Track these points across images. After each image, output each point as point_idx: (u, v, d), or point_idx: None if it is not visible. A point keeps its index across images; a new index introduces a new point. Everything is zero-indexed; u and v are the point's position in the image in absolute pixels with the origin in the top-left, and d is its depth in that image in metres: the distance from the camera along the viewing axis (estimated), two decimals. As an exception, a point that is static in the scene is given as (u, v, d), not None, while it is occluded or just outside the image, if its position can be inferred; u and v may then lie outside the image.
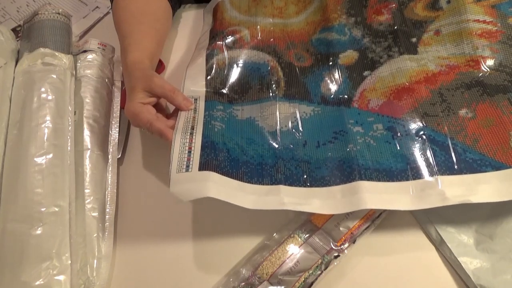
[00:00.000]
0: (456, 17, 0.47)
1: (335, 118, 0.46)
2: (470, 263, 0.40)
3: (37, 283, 0.38)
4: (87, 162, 0.47)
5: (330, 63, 0.50)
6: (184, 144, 0.42)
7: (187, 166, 0.40)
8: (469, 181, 0.39)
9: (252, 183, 0.41)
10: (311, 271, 0.40)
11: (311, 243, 0.42)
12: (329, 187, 0.41)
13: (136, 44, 0.52)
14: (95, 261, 0.43)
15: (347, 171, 0.41)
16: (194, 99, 0.47)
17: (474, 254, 0.40)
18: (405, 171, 0.40)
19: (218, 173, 0.40)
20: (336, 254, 0.41)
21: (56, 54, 0.51)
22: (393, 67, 0.47)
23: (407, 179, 0.40)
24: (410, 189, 0.39)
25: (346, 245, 0.41)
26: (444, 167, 0.40)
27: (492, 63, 0.44)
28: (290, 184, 0.41)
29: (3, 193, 0.43)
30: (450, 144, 0.41)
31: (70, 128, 0.47)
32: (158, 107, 0.48)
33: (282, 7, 0.56)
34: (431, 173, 0.39)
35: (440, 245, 0.42)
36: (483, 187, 0.38)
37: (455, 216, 0.42)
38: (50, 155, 0.44)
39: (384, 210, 0.43)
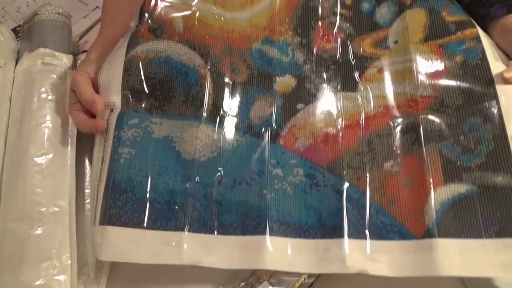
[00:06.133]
0: (401, 56, 0.45)
1: (257, 155, 0.42)
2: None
3: (37, 283, 0.38)
4: (87, 162, 0.47)
5: (266, 85, 0.46)
6: (94, 187, 0.41)
7: (95, 217, 0.40)
8: (374, 248, 0.37)
9: (154, 229, 0.39)
10: (311, 271, 0.40)
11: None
12: (234, 236, 0.39)
13: (102, 33, 0.50)
14: (95, 261, 0.43)
15: (256, 221, 0.39)
16: (111, 109, 0.43)
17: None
18: (315, 227, 0.38)
19: (115, 225, 0.38)
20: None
21: (56, 54, 0.51)
22: (327, 105, 0.44)
23: (314, 237, 0.38)
24: (316, 248, 0.37)
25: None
26: (352, 229, 0.37)
27: (433, 103, 0.42)
28: (195, 231, 0.39)
29: (3, 193, 0.43)
30: (364, 203, 0.39)
31: (70, 128, 0.47)
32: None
33: None
34: (339, 234, 0.37)
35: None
36: (384, 258, 0.36)
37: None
38: (50, 155, 0.44)
39: None
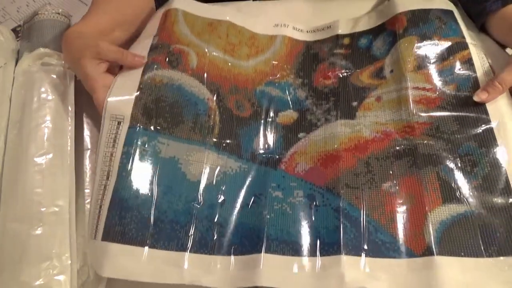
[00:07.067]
0: (397, 85, 0.46)
1: (259, 179, 0.44)
2: None
3: (37, 283, 0.38)
4: (87, 162, 0.47)
5: (268, 119, 0.48)
6: (97, 199, 0.41)
7: (96, 231, 0.39)
8: (374, 265, 0.37)
9: (157, 248, 0.39)
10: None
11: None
12: (234, 256, 0.39)
13: (87, 19, 0.49)
14: (95, 261, 0.43)
15: (254, 241, 0.39)
16: (118, 122, 0.44)
17: None
18: (313, 246, 0.39)
19: (118, 242, 0.39)
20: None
21: (56, 54, 0.51)
22: (327, 132, 0.46)
23: (312, 255, 0.38)
24: (314, 266, 0.37)
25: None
26: (350, 246, 0.37)
27: (429, 129, 0.42)
28: (196, 251, 0.39)
29: (3, 193, 0.43)
30: (362, 221, 0.39)
31: (70, 128, 0.47)
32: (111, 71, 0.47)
33: (235, 45, 0.52)
34: (337, 251, 0.37)
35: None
36: (384, 275, 0.36)
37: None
38: (50, 155, 0.44)
39: None
